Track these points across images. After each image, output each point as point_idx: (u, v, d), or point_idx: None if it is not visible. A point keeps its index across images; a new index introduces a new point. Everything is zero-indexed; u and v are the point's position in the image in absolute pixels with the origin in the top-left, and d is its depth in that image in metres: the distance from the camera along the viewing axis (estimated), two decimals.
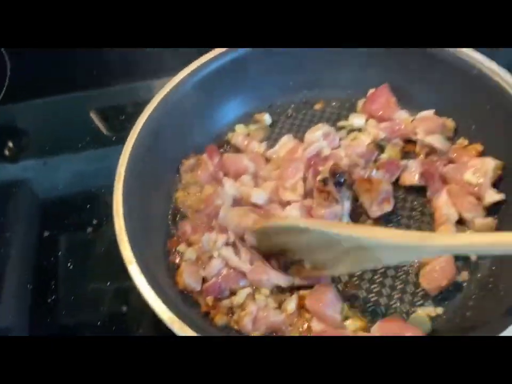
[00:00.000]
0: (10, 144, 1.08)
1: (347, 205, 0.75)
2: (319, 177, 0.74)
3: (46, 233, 0.88)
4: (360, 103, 0.92)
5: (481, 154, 0.79)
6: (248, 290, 0.71)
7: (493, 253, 0.62)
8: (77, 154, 1.01)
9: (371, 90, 0.90)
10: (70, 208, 0.92)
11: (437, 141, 0.80)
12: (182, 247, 0.77)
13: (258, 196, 0.78)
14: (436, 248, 0.57)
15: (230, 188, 0.79)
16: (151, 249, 0.72)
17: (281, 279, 0.70)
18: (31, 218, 0.92)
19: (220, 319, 0.69)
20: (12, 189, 0.97)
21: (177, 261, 0.76)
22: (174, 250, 0.78)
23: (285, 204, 0.77)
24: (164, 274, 0.72)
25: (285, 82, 0.96)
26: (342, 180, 0.74)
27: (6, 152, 1.07)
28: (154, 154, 0.81)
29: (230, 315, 0.70)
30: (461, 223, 0.74)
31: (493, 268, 0.69)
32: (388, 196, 0.76)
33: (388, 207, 0.77)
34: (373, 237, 0.59)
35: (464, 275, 0.69)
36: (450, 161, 0.79)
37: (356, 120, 0.89)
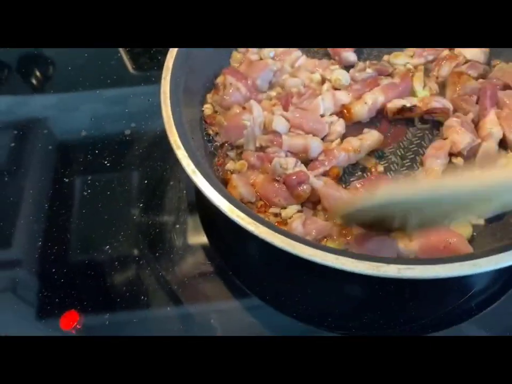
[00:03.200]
0: (37, 72, 1.07)
1: None
2: None
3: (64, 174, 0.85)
4: None
5: None
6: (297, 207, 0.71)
7: None
8: (101, 91, 0.99)
9: None
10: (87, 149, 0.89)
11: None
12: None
13: (279, 124, 0.76)
14: None
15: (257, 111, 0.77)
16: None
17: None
18: (48, 157, 0.89)
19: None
20: (30, 125, 0.94)
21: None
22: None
23: None
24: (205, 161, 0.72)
25: None
26: None
27: (33, 81, 1.05)
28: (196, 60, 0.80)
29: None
30: (503, 146, 0.74)
31: None
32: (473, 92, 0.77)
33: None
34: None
35: None
36: (507, 86, 0.78)
37: None
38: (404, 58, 0.88)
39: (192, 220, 0.77)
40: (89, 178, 0.82)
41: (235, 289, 0.70)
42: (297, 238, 0.57)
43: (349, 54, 0.89)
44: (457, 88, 0.78)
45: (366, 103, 0.79)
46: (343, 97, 0.81)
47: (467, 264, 0.53)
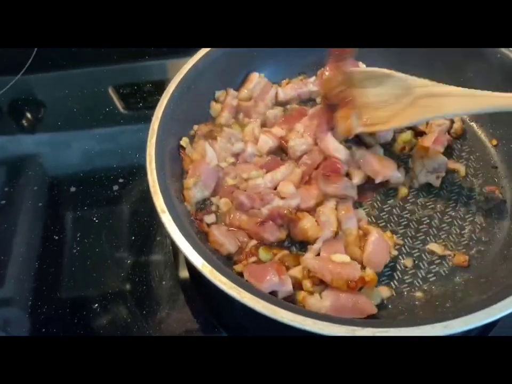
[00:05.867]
0: (29, 115, 1.10)
1: None
2: None
3: (53, 208, 0.90)
4: None
5: None
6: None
7: None
8: (91, 131, 1.03)
9: None
10: (78, 184, 0.93)
11: None
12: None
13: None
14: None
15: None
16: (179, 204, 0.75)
17: None
18: (40, 192, 0.93)
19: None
20: (24, 162, 0.98)
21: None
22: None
23: None
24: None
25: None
26: None
27: (24, 123, 1.09)
28: (180, 116, 0.84)
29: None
30: None
31: None
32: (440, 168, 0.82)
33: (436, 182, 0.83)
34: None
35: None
36: None
37: None
38: None
39: (179, 277, 0.79)
40: (78, 235, 0.84)
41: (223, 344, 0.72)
42: (278, 302, 0.60)
43: None
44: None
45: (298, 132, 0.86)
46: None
47: (439, 325, 0.55)
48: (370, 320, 0.64)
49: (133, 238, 0.83)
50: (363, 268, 0.71)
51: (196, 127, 0.88)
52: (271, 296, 0.64)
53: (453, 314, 0.57)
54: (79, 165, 0.97)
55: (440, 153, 0.84)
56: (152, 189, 0.70)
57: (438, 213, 0.80)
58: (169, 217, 0.67)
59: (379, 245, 0.73)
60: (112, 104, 1.08)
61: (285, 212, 0.75)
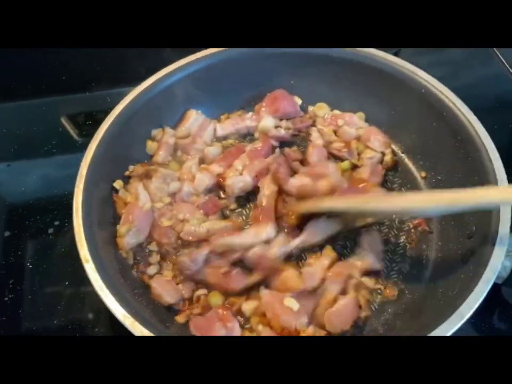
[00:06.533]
0: None
1: None
2: None
3: (7, 233, 0.89)
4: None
5: None
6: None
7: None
8: (45, 159, 1.02)
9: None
10: (33, 210, 0.93)
11: None
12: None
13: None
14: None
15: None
16: (107, 250, 0.75)
17: None
18: None
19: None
20: None
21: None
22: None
23: None
24: (117, 272, 0.74)
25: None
26: None
27: None
28: (113, 158, 0.83)
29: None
30: None
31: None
32: None
33: None
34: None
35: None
36: None
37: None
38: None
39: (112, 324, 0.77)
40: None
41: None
42: None
43: None
44: None
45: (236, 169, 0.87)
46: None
47: None
48: None
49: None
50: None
51: (131, 167, 0.88)
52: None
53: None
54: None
55: (377, 186, 0.85)
56: (77, 237, 0.70)
57: None
58: (93, 267, 0.66)
59: (345, 309, 0.71)
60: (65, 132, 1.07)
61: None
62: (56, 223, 0.90)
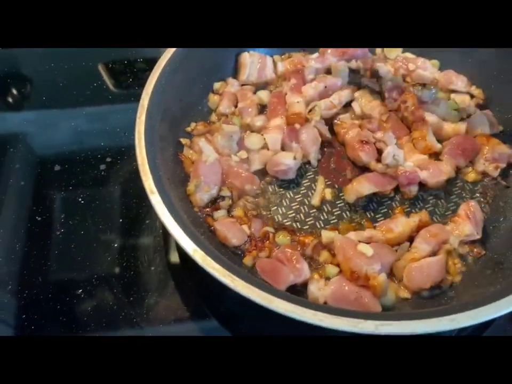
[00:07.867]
0: (14, 91, 1.04)
1: None
2: None
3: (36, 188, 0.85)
4: None
5: None
6: None
7: None
8: (79, 109, 0.98)
9: None
10: (64, 163, 0.88)
11: None
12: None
13: None
14: None
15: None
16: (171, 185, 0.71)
17: None
18: (22, 171, 0.88)
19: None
20: (10, 141, 0.93)
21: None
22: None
23: None
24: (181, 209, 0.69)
25: None
26: None
27: (10, 100, 1.02)
28: (170, 94, 0.79)
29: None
30: None
31: None
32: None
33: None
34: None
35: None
36: None
37: None
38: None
39: (168, 262, 0.75)
40: (62, 216, 0.80)
41: (214, 332, 0.68)
42: (274, 292, 0.56)
43: None
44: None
45: None
46: None
47: (445, 319, 0.52)
48: (372, 313, 0.60)
49: (121, 220, 0.79)
50: None
51: (193, 124, 0.84)
52: (267, 285, 0.60)
53: (460, 308, 0.54)
54: (65, 143, 0.91)
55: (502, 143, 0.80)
56: (141, 168, 0.66)
57: None
58: (159, 199, 0.63)
59: (428, 268, 0.66)
60: (101, 81, 1.02)
61: None
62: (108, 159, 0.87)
